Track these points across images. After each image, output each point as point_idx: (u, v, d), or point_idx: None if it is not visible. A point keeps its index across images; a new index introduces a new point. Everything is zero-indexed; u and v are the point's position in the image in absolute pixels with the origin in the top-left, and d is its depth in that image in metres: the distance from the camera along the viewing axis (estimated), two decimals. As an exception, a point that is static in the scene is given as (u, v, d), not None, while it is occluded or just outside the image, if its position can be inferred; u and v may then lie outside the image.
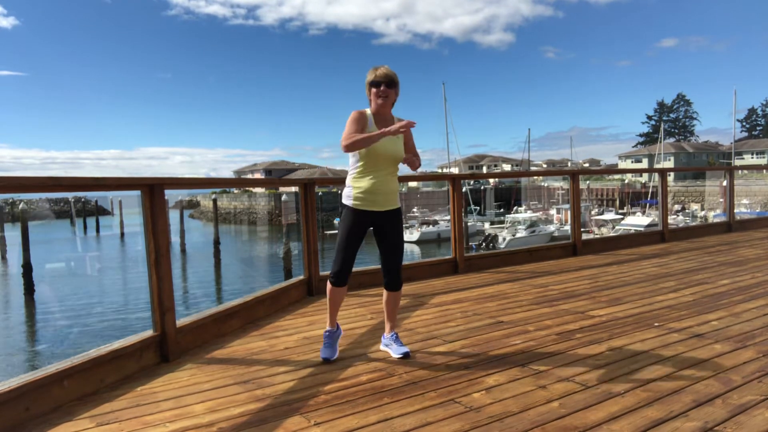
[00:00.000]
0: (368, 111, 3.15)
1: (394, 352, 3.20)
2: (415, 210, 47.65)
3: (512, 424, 2.28)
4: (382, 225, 3.19)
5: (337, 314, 3.36)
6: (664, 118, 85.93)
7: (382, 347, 3.33)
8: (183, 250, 33.59)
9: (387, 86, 3.08)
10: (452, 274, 5.83)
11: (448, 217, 34.29)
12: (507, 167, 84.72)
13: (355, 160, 3.14)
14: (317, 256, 4.99)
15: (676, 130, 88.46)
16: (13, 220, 46.16)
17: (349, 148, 2.98)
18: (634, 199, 47.57)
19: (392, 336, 3.28)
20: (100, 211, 63.42)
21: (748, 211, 33.04)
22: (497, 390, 2.65)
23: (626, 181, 54.57)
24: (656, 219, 21.35)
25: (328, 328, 3.30)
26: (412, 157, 3.17)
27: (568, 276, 5.56)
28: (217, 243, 29.62)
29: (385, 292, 3.32)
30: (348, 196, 3.17)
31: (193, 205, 69.21)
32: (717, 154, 73.22)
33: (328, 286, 3.26)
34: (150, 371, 3.07)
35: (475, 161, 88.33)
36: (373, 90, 3.10)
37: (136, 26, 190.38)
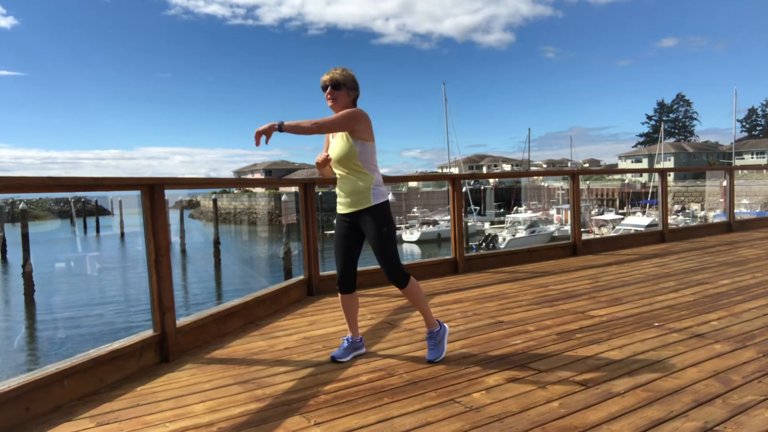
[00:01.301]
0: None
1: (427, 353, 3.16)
2: (415, 210, 47.63)
3: (512, 424, 2.28)
4: (359, 227, 3.16)
5: (357, 323, 3.32)
6: (664, 118, 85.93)
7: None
8: (183, 250, 33.59)
9: (333, 88, 3.08)
10: (452, 274, 5.83)
11: (448, 217, 34.34)
12: (507, 167, 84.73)
13: None
14: (317, 256, 4.99)
15: (676, 130, 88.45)
16: (12, 220, 46.14)
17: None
18: (634, 199, 47.59)
19: (427, 334, 3.20)
20: (100, 211, 63.39)
21: (748, 211, 33.04)
22: (497, 390, 2.65)
23: (626, 181, 54.58)
24: (656, 219, 21.35)
25: (349, 335, 3.30)
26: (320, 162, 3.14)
27: (568, 276, 5.56)
28: (217, 243, 29.62)
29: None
30: None
31: (193, 205, 69.21)
32: (717, 154, 73.23)
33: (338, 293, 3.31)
34: (150, 371, 3.07)
35: (475, 161, 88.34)
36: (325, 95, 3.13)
37: (136, 26, 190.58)
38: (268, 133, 2.81)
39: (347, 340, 3.27)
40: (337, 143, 3.12)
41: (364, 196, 3.09)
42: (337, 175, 3.17)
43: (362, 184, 3.10)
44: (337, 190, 3.20)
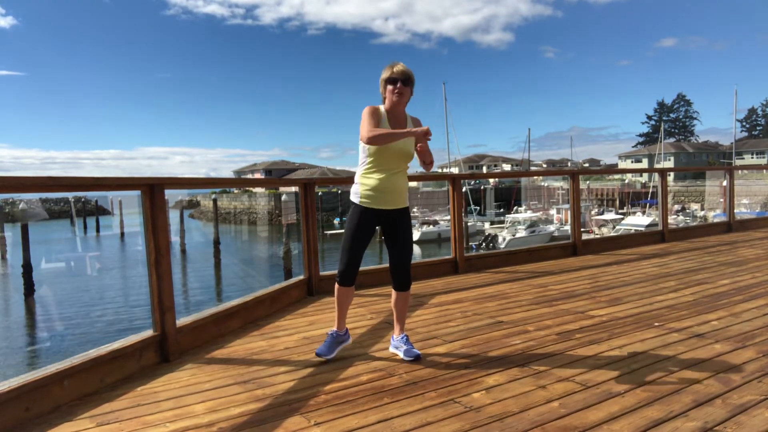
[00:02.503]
0: (381, 108, 3.10)
1: (405, 354, 3.12)
2: (415, 210, 47.59)
3: (512, 424, 2.28)
4: (390, 224, 3.14)
5: (345, 317, 3.29)
6: (664, 118, 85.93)
7: (391, 349, 3.26)
8: (183, 250, 33.56)
9: (403, 83, 3.03)
10: (452, 274, 5.83)
11: (448, 217, 34.29)
12: (507, 167, 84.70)
13: (365, 156, 3.07)
14: (317, 256, 4.99)
15: (676, 130, 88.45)
16: (12, 220, 46.11)
17: (373, 141, 2.91)
18: (634, 199, 47.56)
19: (402, 338, 3.20)
20: (100, 211, 63.31)
21: (748, 211, 33.02)
22: (497, 390, 2.65)
23: (626, 181, 54.56)
24: (656, 219, 21.36)
25: (334, 329, 3.26)
26: (426, 149, 3.03)
27: (568, 276, 5.56)
28: (217, 243, 29.59)
29: (393, 293, 3.25)
30: (356, 193, 3.12)
31: (193, 205, 69.15)
32: (717, 154, 73.21)
33: (336, 285, 3.21)
34: (150, 371, 3.07)
35: (475, 161, 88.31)
36: (389, 87, 3.04)
37: (135, 26, 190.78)
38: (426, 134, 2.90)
39: (332, 334, 3.23)
40: (407, 140, 3.05)
41: (406, 195, 3.18)
42: (389, 170, 3.06)
43: (406, 184, 3.19)
44: (377, 184, 3.06)
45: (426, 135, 2.90)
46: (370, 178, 3.07)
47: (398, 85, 3.02)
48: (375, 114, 3.01)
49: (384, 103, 3.13)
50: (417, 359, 3.10)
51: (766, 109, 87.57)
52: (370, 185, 3.07)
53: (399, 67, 3.04)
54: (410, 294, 3.27)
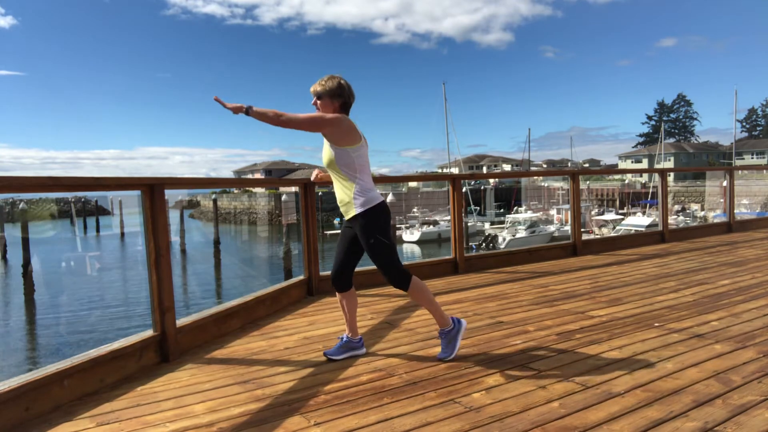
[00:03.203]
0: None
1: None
2: (415, 210, 47.63)
3: (512, 424, 2.28)
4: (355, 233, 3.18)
5: (355, 322, 3.32)
6: (664, 119, 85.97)
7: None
8: (183, 250, 33.57)
9: (317, 98, 3.12)
10: (452, 274, 5.83)
11: (448, 218, 34.31)
12: (507, 167, 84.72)
13: None
14: (317, 256, 4.99)
15: (676, 131, 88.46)
16: (13, 220, 46.11)
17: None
18: (635, 199, 47.58)
19: (440, 332, 3.24)
20: (100, 210, 63.36)
21: (748, 211, 33.02)
22: (497, 390, 2.65)
23: (626, 182, 54.57)
24: (656, 219, 21.35)
25: (347, 333, 3.30)
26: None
27: (568, 276, 5.56)
28: (217, 243, 29.61)
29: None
30: None
31: (193, 205, 69.14)
32: (717, 154, 73.22)
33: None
34: (150, 371, 3.07)
35: (475, 161, 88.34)
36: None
37: (135, 26, 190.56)
38: (234, 110, 2.87)
39: (342, 338, 3.28)
40: (323, 148, 3.15)
41: (349, 204, 3.09)
42: (335, 183, 3.19)
43: (345, 192, 3.10)
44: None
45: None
46: None
47: (313, 101, 3.14)
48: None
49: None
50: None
51: (766, 110, 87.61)
52: None
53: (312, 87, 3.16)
54: (417, 289, 3.15)
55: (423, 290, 3.17)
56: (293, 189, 35.98)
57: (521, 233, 33.71)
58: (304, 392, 2.71)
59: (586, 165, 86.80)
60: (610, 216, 38.85)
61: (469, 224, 37.31)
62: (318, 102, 3.12)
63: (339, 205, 3.16)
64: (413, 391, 2.67)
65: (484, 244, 32.62)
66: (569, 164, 73.98)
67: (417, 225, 40.07)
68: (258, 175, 76.66)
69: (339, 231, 3.39)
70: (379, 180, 6.18)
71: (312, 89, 3.15)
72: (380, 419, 2.36)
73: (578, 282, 5.23)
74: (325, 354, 3.22)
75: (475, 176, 57.87)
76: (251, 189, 60.30)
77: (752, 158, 68.58)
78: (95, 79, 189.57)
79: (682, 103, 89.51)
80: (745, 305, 4.11)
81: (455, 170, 60.76)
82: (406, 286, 3.12)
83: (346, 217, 3.17)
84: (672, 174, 48.72)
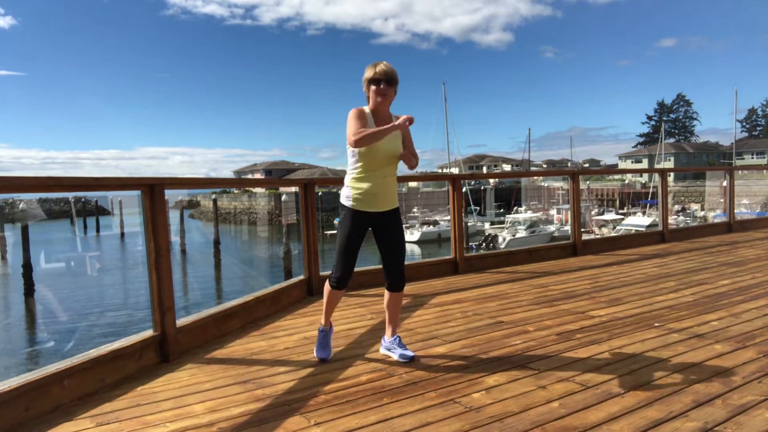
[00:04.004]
0: (366, 109, 3.06)
1: (400, 357, 3.11)
2: (415, 210, 47.61)
3: (512, 424, 2.28)
4: (382, 226, 3.12)
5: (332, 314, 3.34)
6: (664, 119, 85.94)
7: (382, 351, 3.25)
8: (183, 250, 33.57)
9: (387, 84, 2.99)
10: (452, 274, 5.83)
11: (448, 218, 34.29)
12: (507, 167, 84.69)
13: (355, 161, 3.05)
14: (317, 256, 4.99)
15: (676, 130, 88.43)
16: (12, 220, 46.07)
17: (360, 142, 2.88)
18: (635, 199, 47.58)
19: (395, 339, 3.20)
20: (100, 211, 63.29)
21: (748, 211, 33.01)
22: (497, 390, 2.65)
23: (626, 182, 54.56)
24: (656, 219, 21.35)
25: (322, 326, 3.26)
26: (409, 155, 3.07)
27: (568, 276, 5.56)
28: (217, 243, 29.60)
29: (387, 294, 3.22)
30: (347, 197, 3.08)
31: (193, 205, 69.09)
32: (717, 154, 73.19)
33: (327, 287, 3.20)
34: (150, 371, 3.07)
35: (475, 161, 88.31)
36: (372, 87, 3.01)
37: (134, 26, 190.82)
38: (410, 122, 2.96)
39: (323, 331, 3.24)
40: (394, 141, 3.05)
41: (396, 196, 3.19)
42: (379, 172, 3.05)
43: (396, 185, 3.21)
44: (368, 188, 3.05)
45: (410, 122, 2.94)
46: (361, 181, 3.05)
47: (381, 86, 2.99)
48: (361, 116, 2.99)
49: (368, 102, 3.10)
50: (411, 361, 3.10)
51: (766, 110, 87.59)
52: (362, 188, 3.05)
53: (381, 67, 2.99)
54: (404, 294, 3.26)
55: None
56: (293, 189, 35.99)
57: (521, 233, 33.70)
58: (304, 392, 2.71)
59: (586, 165, 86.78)
60: (610, 216, 38.85)
61: (469, 224, 37.30)
62: (387, 88, 3.01)
63: (385, 195, 3.08)
64: (413, 391, 2.67)
65: (484, 244, 32.62)
66: (569, 164, 73.94)
67: (417, 225, 40.04)
68: (258, 175, 76.66)
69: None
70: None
71: (385, 70, 2.99)
72: (380, 419, 2.36)
73: (578, 282, 5.23)
74: (320, 359, 3.17)
75: (475, 176, 57.85)
76: (251, 189, 60.29)
77: (752, 158, 68.56)
78: (95, 79, 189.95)
79: (682, 103, 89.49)
80: (745, 305, 4.11)
81: (455, 170, 60.75)
82: (404, 286, 3.25)
83: (391, 207, 3.12)
84: (672, 174, 48.72)
